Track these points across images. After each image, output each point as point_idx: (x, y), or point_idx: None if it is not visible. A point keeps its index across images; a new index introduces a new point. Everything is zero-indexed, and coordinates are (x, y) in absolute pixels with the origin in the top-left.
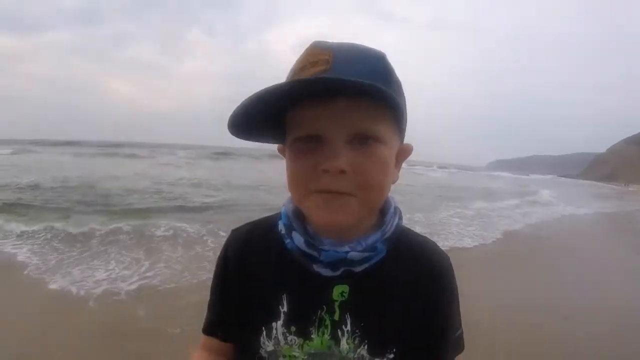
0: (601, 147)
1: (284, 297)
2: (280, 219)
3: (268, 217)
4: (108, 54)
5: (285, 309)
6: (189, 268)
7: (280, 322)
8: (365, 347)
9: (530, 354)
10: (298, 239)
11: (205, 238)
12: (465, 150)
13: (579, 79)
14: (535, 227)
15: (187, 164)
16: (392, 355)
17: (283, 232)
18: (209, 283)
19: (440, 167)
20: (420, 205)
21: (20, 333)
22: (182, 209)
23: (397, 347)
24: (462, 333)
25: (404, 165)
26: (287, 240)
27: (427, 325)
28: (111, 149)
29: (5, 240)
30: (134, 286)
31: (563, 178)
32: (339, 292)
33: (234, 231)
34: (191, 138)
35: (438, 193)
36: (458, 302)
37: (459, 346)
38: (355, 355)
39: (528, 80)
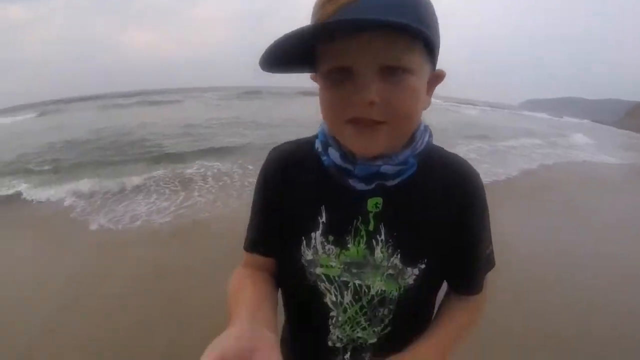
0: (637, 96)
1: (322, 208)
2: (317, 137)
3: (305, 137)
4: (121, 6)
5: (323, 219)
6: (220, 197)
7: (319, 232)
8: (398, 256)
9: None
10: (334, 154)
11: (234, 171)
12: (497, 88)
13: (620, 22)
14: (553, 169)
15: (216, 106)
16: (423, 265)
17: (320, 149)
18: (240, 209)
19: (472, 104)
20: (440, 140)
21: (66, 273)
22: (213, 151)
23: (429, 257)
24: (492, 251)
25: (438, 101)
26: (324, 157)
27: (457, 238)
28: (136, 98)
29: (53, 194)
30: (168, 218)
31: (597, 124)
32: (373, 203)
33: (274, 150)
34: (218, 80)
35: (464, 130)
36: (488, 219)
37: (489, 263)
38: (389, 264)
39: (567, 19)
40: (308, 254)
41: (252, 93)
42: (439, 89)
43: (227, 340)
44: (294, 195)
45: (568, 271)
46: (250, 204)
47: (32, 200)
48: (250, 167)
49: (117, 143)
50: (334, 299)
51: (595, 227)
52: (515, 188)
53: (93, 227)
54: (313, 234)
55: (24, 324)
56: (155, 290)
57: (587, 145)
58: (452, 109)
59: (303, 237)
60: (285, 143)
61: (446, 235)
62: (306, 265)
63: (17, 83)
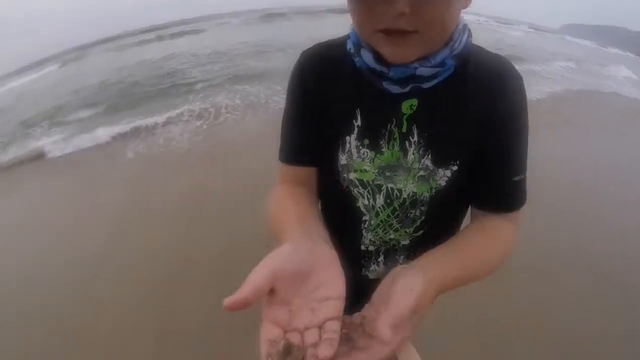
0: None
1: (358, 112)
2: (348, 38)
3: (336, 38)
4: None
5: (358, 122)
6: (248, 114)
7: (354, 136)
8: (429, 156)
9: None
10: (367, 56)
11: (260, 92)
12: (537, 7)
13: None
14: (577, 95)
15: (239, 31)
16: (455, 167)
17: (352, 50)
18: (268, 124)
19: (513, 24)
20: None
21: (109, 205)
22: (241, 76)
23: (460, 159)
24: (524, 179)
25: (480, 19)
26: (356, 59)
27: (489, 143)
28: (154, 33)
29: (95, 133)
30: (200, 137)
31: None
32: (408, 105)
33: (305, 53)
34: (238, 4)
35: (502, 50)
36: (526, 133)
37: (521, 193)
38: (420, 165)
39: None
40: (342, 159)
41: (276, 15)
42: (484, 9)
43: (280, 256)
44: (329, 99)
45: (575, 201)
46: (281, 118)
47: (67, 150)
48: (278, 87)
49: (147, 79)
50: (366, 202)
51: (605, 160)
52: (534, 111)
53: (130, 155)
54: (348, 138)
55: (80, 255)
56: (198, 210)
57: (625, 78)
58: (495, 30)
59: (339, 141)
60: (316, 45)
61: (479, 138)
62: (340, 170)
63: (29, 42)
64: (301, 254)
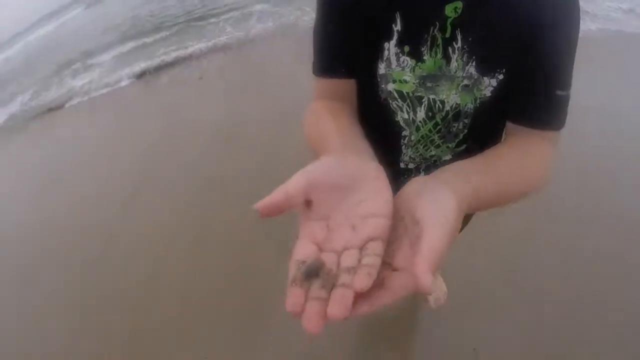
0: None
1: (397, 15)
2: None
3: None
4: None
5: (398, 27)
6: (278, 35)
7: (393, 42)
8: (474, 64)
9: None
10: None
11: (291, 13)
12: None
13: None
14: (611, 36)
15: None
16: (501, 76)
17: None
18: (300, 41)
19: None
20: None
21: (152, 128)
22: (271, 1)
23: (507, 67)
24: (568, 99)
25: None
26: None
27: (536, 50)
28: None
29: (129, 69)
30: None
31: None
32: (452, 8)
33: None
34: None
35: None
36: (574, 44)
37: (563, 111)
38: (464, 74)
39: None
40: (380, 68)
41: None
42: None
43: (318, 167)
44: (365, 2)
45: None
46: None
47: (103, 88)
48: (307, 8)
49: (176, 10)
50: (406, 116)
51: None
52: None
53: (164, 85)
54: (386, 45)
55: (113, 186)
56: (232, 136)
57: None
58: None
59: (376, 49)
60: None
61: (526, 44)
62: (378, 80)
63: None
64: (343, 166)
